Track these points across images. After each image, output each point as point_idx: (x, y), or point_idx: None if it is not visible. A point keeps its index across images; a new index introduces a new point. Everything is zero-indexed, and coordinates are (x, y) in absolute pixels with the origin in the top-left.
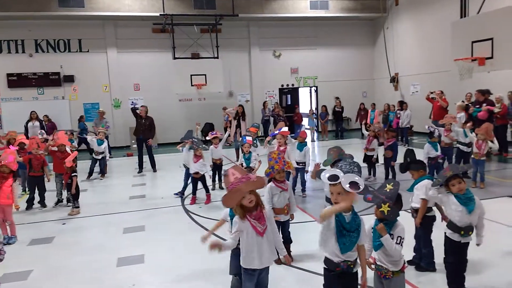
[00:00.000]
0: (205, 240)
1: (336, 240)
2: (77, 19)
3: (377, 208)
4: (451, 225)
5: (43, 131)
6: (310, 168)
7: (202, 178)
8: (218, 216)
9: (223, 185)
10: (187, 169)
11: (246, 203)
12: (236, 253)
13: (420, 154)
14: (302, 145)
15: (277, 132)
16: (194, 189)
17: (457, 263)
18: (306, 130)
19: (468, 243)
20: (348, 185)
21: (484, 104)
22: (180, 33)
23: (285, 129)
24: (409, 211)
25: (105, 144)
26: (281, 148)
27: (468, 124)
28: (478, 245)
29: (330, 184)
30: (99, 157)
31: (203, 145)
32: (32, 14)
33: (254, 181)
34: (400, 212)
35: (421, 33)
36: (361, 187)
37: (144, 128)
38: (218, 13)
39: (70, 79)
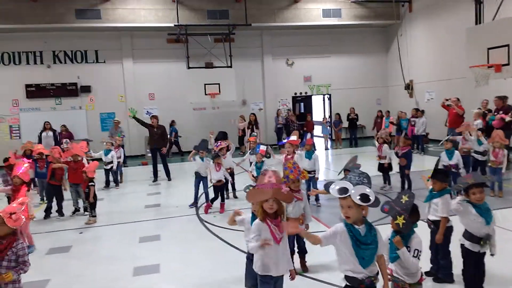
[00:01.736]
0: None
1: (355, 255)
2: (94, 30)
3: (392, 220)
4: (470, 237)
5: (67, 139)
6: (321, 176)
7: (222, 187)
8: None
9: (237, 194)
10: (200, 178)
11: (266, 207)
12: (252, 264)
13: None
14: (310, 153)
15: (285, 140)
16: (216, 197)
17: (476, 274)
18: (317, 137)
19: (485, 252)
20: (358, 198)
21: (501, 112)
22: (194, 43)
23: (294, 138)
24: (425, 221)
25: (112, 153)
26: (288, 156)
27: (479, 133)
28: (493, 255)
29: (339, 197)
30: (108, 167)
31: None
32: (50, 26)
33: (283, 192)
34: (417, 222)
35: (435, 40)
36: (372, 199)
37: (157, 137)
38: (231, 23)
39: (87, 89)
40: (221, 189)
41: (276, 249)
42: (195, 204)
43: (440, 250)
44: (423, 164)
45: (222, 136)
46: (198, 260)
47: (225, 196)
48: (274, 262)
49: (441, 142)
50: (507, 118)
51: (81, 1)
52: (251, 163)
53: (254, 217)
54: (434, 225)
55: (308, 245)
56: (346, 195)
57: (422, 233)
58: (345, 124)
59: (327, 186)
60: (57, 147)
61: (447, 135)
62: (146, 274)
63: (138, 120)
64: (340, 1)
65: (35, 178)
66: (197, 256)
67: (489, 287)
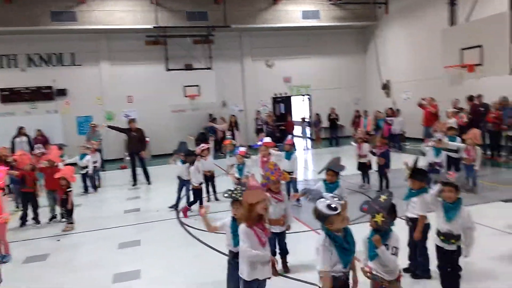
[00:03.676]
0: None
1: (340, 260)
2: (70, 33)
3: (371, 218)
4: (437, 232)
5: (40, 145)
6: (300, 176)
7: (202, 190)
8: None
9: (218, 196)
10: (182, 181)
11: (260, 208)
12: (235, 267)
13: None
14: (289, 153)
15: (259, 143)
16: (195, 201)
17: (447, 269)
18: (294, 138)
19: (454, 251)
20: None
21: (466, 110)
22: (173, 44)
23: (268, 139)
24: (403, 218)
25: (87, 157)
26: (264, 159)
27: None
28: (465, 257)
29: (334, 214)
30: (84, 171)
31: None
32: (25, 29)
33: (265, 195)
34: (395, 221)
35: (411, 41)
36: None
37: (135, 141)
38: (210, 24)
39: (62, 92)
40: (201, 192)
41: (264, 252)
42: (175, 206)
43: (417, 247)
44: (400, 162)
45: (203, 137)
46: (179, 265)
47: (206, 198)
48: (261, 265)
49: (433, 140)
50: (464, 119)
51: (57, 3)
52: (232, 165)
53: (234, 221)
54: (412, 222)
55: (288, 245)
56: (339, 211)
57: (400, 231)
58: (326, 124)
59: (314, 196)
60: (24, 152)
61: (425, 134)
62: (127, 281)
63: (113, 128)
64: (318, 2)
65: (10, 184)
66: (178, 261)
67: (466, 282)
